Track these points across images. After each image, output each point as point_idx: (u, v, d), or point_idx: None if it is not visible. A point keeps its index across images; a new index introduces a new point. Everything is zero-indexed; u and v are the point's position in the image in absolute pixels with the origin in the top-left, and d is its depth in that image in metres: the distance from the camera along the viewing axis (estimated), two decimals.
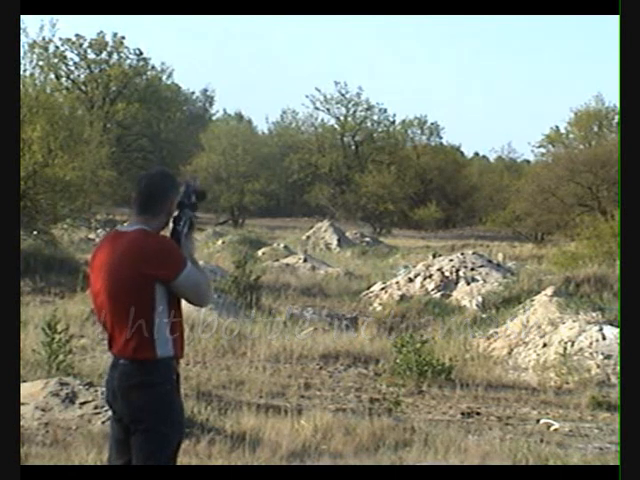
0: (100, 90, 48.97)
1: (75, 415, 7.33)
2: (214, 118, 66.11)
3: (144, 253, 4.13)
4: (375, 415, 8.45)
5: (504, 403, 9.76)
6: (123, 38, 50.32)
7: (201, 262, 19.97)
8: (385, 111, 56.77)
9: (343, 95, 56.10)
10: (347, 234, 34.87)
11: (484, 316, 14.98)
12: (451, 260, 19.11)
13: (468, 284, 17.74)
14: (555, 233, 38.00)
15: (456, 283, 18.04)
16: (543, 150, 55.77)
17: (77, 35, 49.51)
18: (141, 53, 51.23)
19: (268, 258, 24.84)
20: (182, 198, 4.32)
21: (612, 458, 7.21)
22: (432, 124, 59.47)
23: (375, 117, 57.00)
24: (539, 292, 14.37)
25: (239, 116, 66.75)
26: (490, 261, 19.93)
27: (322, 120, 57.63)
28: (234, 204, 48.95)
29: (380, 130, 57.26)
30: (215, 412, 7.89)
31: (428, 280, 18.25)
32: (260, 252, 26.44)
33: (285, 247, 27.55)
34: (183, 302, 4.29)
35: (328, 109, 56.69)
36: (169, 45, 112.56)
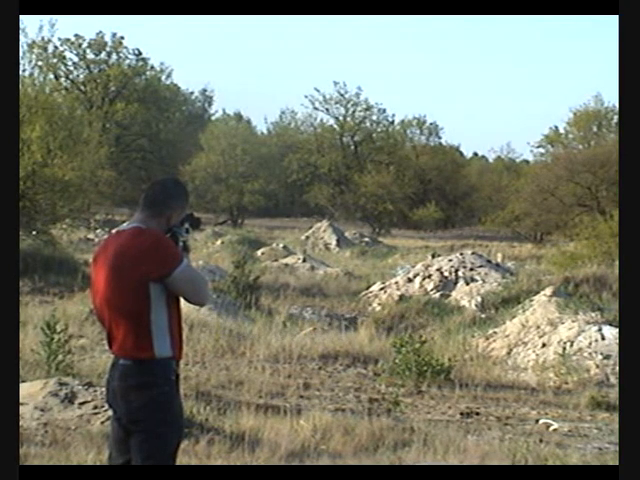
0: (99, 90, 48.92)
1: (74, 415, 7.32)
2: (213, 118, 66.04)
3: (138, 250, 4.11)
4: (374, 415, 8.45)
5: (503, 403, 9.76)
6: (122, 38, 50.39)
7: (200, 262, 19.83)
8: (384, 111, 56.83)
9: (342, 95, 56.08)
10: (346, 234, 34.88)
11: (483, 316, 14.99)
12: (450, 260, 19.11)
13: (467, 284, 17.74)
14: (554, 233, 37.99)
15: (455, 283, 18.04)
16: (542, 150, 55.83)
17: (76, 35, 49.58)
18: (140, 53, 51.29)
19: (267, 258, 24.86)
20: (180, 222, 4.31)
21: (611, 458, 7.21)
22: (431, 124, 59.63)
23: (374, 117, 57.02)
24: (538, 292, 14.36)
25: (238, 116, 66.62)
26: (489, 261, 19.94)
27: (321, 120, 57.69)
28: (233, 204, 48.96)
29: (379, 130, 57.23)
30: (214, 412, 7.88)
31: (427, 280, 18.25)
32: (259, 252, 26.46)
33: (284, 247, 27.56)
34: (182, 302, 4.28)
35: (327, 109, 56.71)
36: (168, 45, 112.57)
